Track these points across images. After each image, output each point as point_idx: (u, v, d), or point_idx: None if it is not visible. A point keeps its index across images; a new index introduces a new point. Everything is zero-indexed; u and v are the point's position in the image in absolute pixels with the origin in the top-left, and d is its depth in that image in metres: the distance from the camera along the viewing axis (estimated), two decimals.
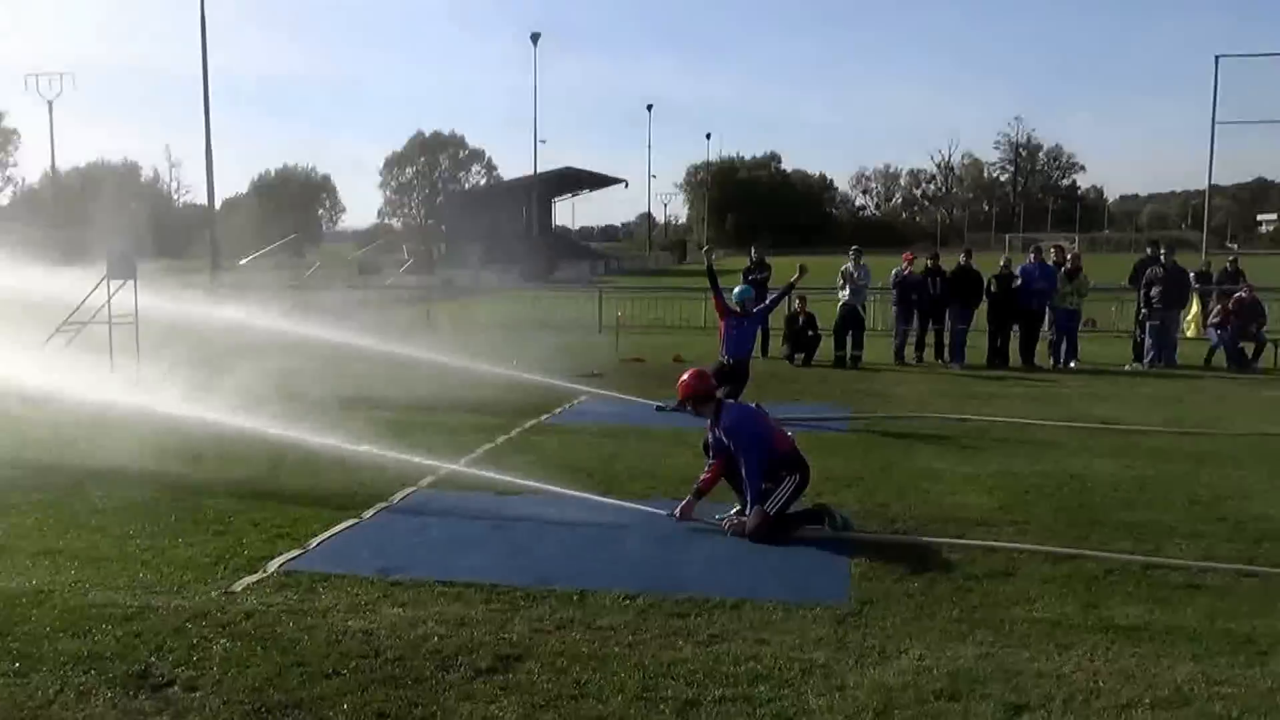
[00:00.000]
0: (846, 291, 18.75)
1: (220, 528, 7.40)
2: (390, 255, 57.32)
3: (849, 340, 18.36)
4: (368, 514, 7.80)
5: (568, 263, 78.41)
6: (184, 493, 8.36)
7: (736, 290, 12.76)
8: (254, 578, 6.37)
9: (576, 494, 8.23)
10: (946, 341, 18.56)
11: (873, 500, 8.34)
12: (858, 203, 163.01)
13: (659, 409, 12.14)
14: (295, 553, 6.84)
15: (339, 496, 8.28)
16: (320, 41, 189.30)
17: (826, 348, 18.61)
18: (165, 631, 5.52)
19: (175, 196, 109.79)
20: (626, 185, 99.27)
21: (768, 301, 12.77)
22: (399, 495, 8.36)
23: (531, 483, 8.55)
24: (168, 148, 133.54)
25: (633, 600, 6.00)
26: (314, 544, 7.04)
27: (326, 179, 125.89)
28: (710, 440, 7.72)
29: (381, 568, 6.52)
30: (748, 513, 7.34)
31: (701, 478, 7.69)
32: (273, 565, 6.58)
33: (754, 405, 8.49)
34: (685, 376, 7.77)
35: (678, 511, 7.58)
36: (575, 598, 6.04)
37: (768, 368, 17.20)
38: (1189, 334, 19.90)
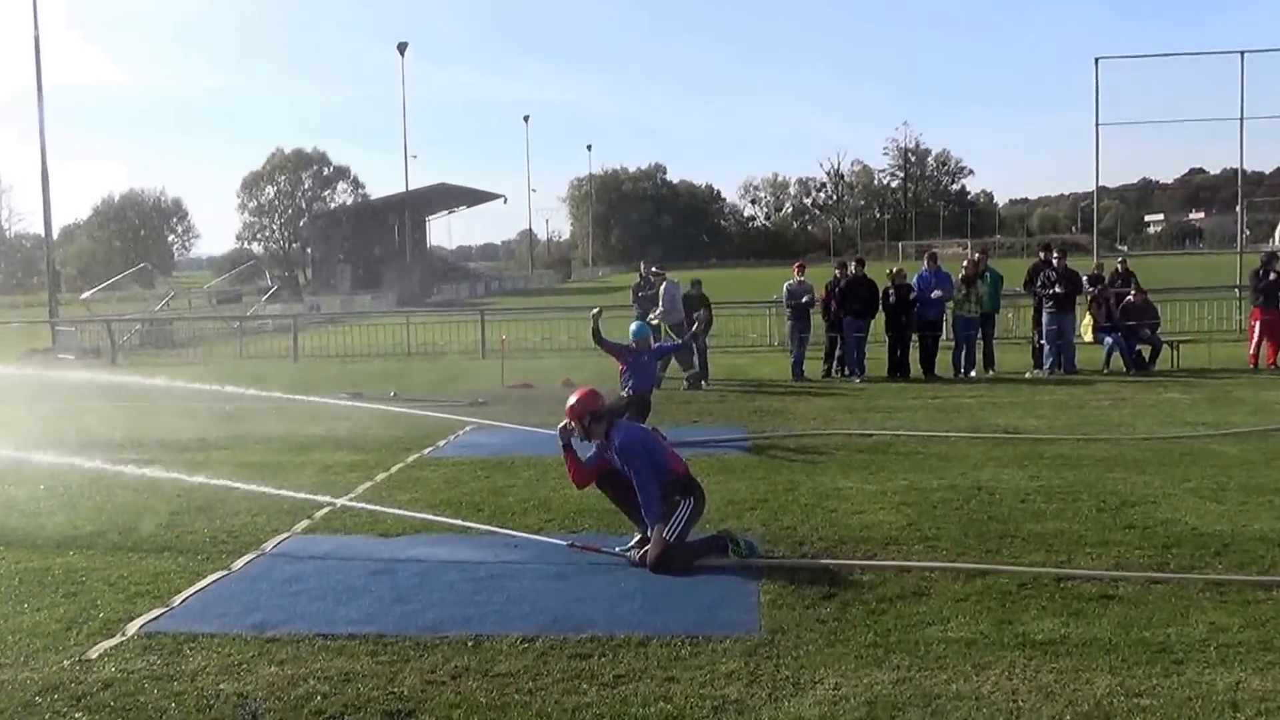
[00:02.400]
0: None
1: (71, 588, 7.08)
2: (252, 283, 55.89)
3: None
4: (238, 564, 7.58)
5: (446, 285, 78.06)
6: (27, 550, 8.01)
7: (633, 327, 12.92)
8: (112, 642, 6.10)
9: (461, 523, 8.10)
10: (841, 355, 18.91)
11: (779, 523, 8.40)
12: (747, 213, 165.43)
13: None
14: (158, 611, 6.59)
15: (205, 546, 8.08)
16: (166, 54, 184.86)
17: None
18: (12, 708, 5.23)
19: (5, 225, 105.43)
20: (505, 201, 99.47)
21: (669, 345, 13.05)
22: (272, 542, 8.16)
23: (421, 515, 8.41)
24: None
25: (531, 643, 5.92)
26: (178, 601, 6.79)
27: (178, 203, 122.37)
28: (594, 465, 7.64)
29: (255, 623, 6.32)
30: (649, 535, 7.29)
31: (576, 467, 7.70)
32: (133, 627, 6.31)
33: (648, 429, 8.48)
34: (574, 395, 7.69)
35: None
36: (469, 644, 5.94)
37: (659, 391, 17.25)
38: (1086, 338, 20.59)
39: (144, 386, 16.98)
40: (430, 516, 8.55)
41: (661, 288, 18.69)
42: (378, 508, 8.87)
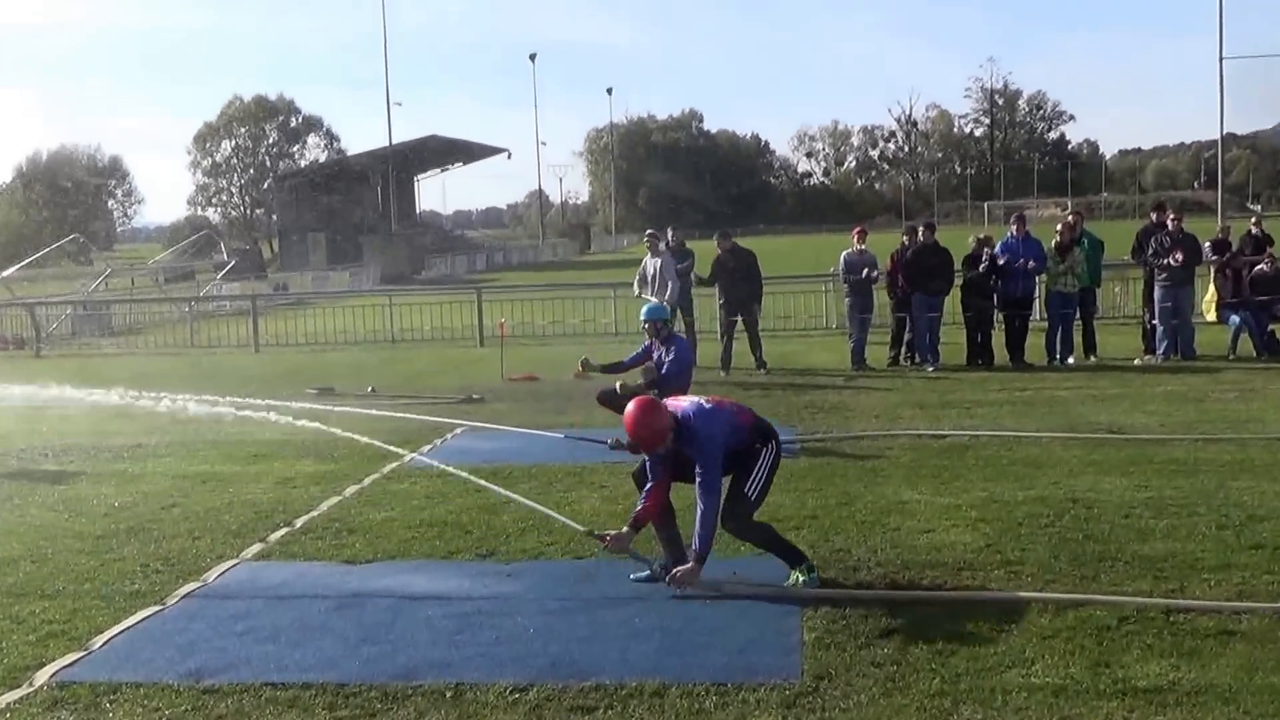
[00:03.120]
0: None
1: None
2: (206, 257, 56.28)
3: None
4: (173, 598, 7.57)
5: (439, 258, 78.28)
6: None
7: (645, 310, 12.63)
8: (16, 694, 6.09)
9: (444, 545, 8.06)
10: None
11: (829, 544, 8.34)
12: (800, 168, 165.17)
13: (613, 445, 11.72)
14: (74, 656, 6.58)
15: (135, 576, 8.08)
16: None
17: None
18: None
19: None
20: (510, 156, 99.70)
21: (682, 342, 12.63)
22: (215, 572, 8.16)
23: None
24: None
25: (523, 694, 5.88)
26: (99, 643, 6.78)
27: (116, 162, 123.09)
28: (650, 464, 7.59)
29: (191, 670, 6.31)
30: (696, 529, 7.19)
31: (641, 505, 7.51)
32: (42, 676, 6.30)
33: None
34: (633, 410, 7.33)
35: (607, 539, 7.49)
36: (448, 694, 5.90)
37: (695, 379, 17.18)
38: (1209, 317, 20.36)
39: None
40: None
41: (658, 263, 18.45)
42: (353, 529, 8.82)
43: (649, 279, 18.30)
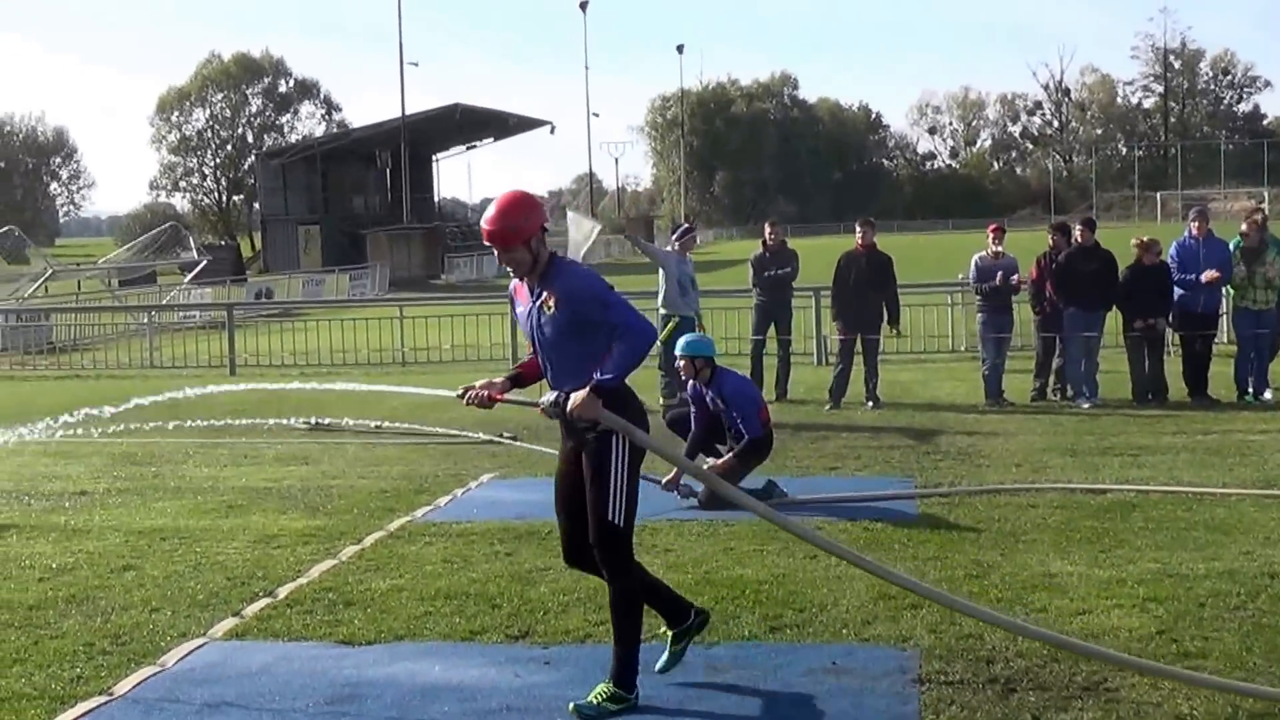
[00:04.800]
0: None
1: None
2: (171, 255, 56.93)
3: None
4: (123, 687, 7.58)
5: (462, 257, 78.77)
6: None
7: (683, 342, 12.85)
8: None
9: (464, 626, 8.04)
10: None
11: (957, 628, 8.25)
12: (921, 148, 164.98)
13: (687, 494, 12.15)
14: None
15: (77, 658, 8.08)
16: None
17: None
18: None
19: None
20: (553, 130, 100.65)
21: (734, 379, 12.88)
22: (176, 654, 8.16)
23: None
24: None
25: None
26: None
27: (61, 136, 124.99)
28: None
29: None
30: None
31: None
32: None
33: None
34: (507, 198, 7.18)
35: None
36: None
37: (781, 416, 17.14)
38: None
39: None
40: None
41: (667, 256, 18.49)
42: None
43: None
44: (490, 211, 6.99)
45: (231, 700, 7.33)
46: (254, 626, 8.72)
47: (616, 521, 6.98)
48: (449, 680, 7.56)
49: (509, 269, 7.07)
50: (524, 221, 6.90)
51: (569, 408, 6.86)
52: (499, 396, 7.26)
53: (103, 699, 7.41)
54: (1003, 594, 9.00)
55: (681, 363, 12.61)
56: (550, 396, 7.02)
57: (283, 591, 9.43)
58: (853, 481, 13.29)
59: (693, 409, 12.73)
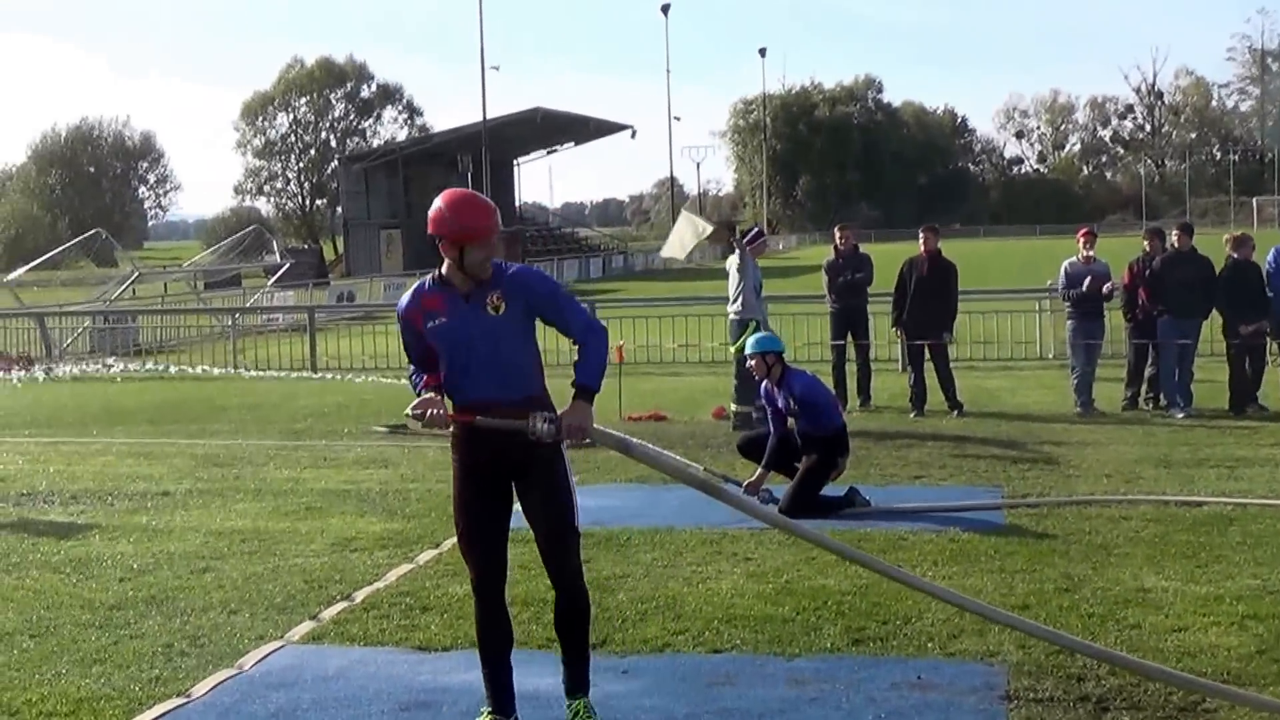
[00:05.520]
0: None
1: None
2: (255, 259, 57.44)
3: None
4: (200, 690, 7.58)
5: (542, 261, 78.89)
6: None
7: (753, 340, 12.93)
8: None
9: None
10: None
11: (1046, 645, 8.00)
12: (1008, 152, 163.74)
13: (765, 499, 12.23)
14: None
15: (155, 659, 8.09)
16: None
17: None
18: None
19: None
20: (634, 134, 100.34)
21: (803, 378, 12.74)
22: (253, 657, 8.15)
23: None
24: None
25: None
26: None
27: (149, 140, 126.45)
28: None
29: None
30: None
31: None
32: None
33: None
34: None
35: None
36: None
37: (864, 423, 17.00)
38: None
39: None
40: None
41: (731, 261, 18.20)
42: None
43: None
44: (466, 209, 6.61)
45: (307, 705, 7.31)
46: (331, 630, 8.71)
47: (579, 527, 6.88)
48: (525, 688, 7.42)
49: (460, 272, 6.60)
50: (498, 217, 6.72)
51: (573, 425, 6.53)
52: (456, 417, 6.77)
53: (180, 700, 7.40)
54: (1094, 609, 8.81)
55: (753, 361, 12.57)
56: (542, 418, 6.51)
57: (360, 595, 9.43)
58: (938, 491, 13.14)
59: (768, 413, 12.70)
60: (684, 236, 19.17)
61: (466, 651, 8.14)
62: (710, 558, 10.35)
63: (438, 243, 6.60)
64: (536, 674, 7.55)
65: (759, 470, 12.36)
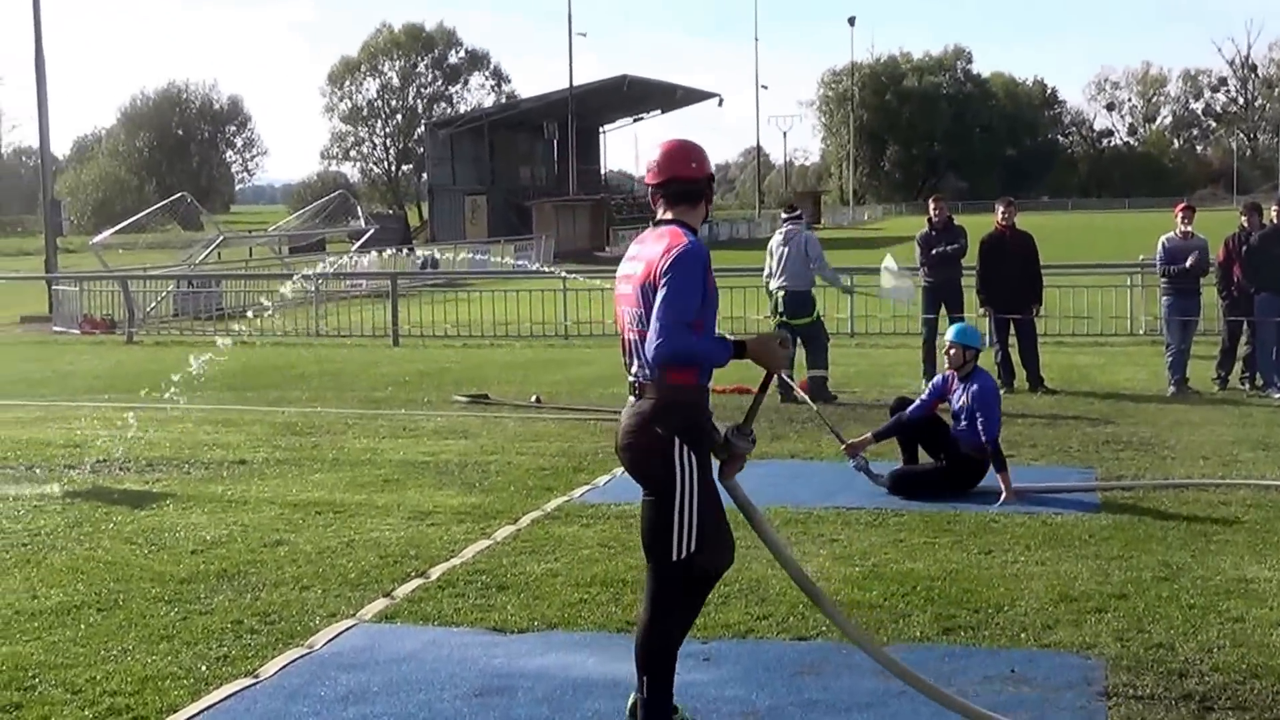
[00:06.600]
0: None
1: (13, 696, 7.05)
2: (340, 223, 57.70)
3: None
4: (269, 670, 7.47)
5: (629, 230, 78.67)
6: None
7: (956, 330, 12.70)
8: None
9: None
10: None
11: (1144, 637, 7.82)
12: (1099, 125, 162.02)
13: (857, 467, 12.05)
14: None
15: (225, 636, 8.01)
16: None
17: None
18: None
19: None
20: (721, 103, 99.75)
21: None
22: (325, 636, 8.04)
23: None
24: None
25: None
26: None
27: (236, 104, 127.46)
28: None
29: None
30: None
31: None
32: None
33: None
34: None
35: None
36: None
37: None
38: None
39: None
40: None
41: (786, 239, 18.20)
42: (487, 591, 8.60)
43: (776, 263, 18.03)
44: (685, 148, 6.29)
45: (377, 688, 7.16)
46: (404, 609, 8.57)
47: None
48: (603, 674, 7.33)
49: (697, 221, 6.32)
50: None
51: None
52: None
53: (248, 681, 7.29)
54: (1195, 600, 8.51)
55: (952, 351, 12.30)
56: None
57: (435, 572, 9.28)
58: (1030, 471, 12.84)
59: (924, 397, 12.55)
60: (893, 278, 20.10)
61: (543, 634, 8.06)
62: (795, 539, 10.11)
63: (704, 192, 6.36)
64: (615, 659, 7.38)
65: (867, 434, 12.35)
